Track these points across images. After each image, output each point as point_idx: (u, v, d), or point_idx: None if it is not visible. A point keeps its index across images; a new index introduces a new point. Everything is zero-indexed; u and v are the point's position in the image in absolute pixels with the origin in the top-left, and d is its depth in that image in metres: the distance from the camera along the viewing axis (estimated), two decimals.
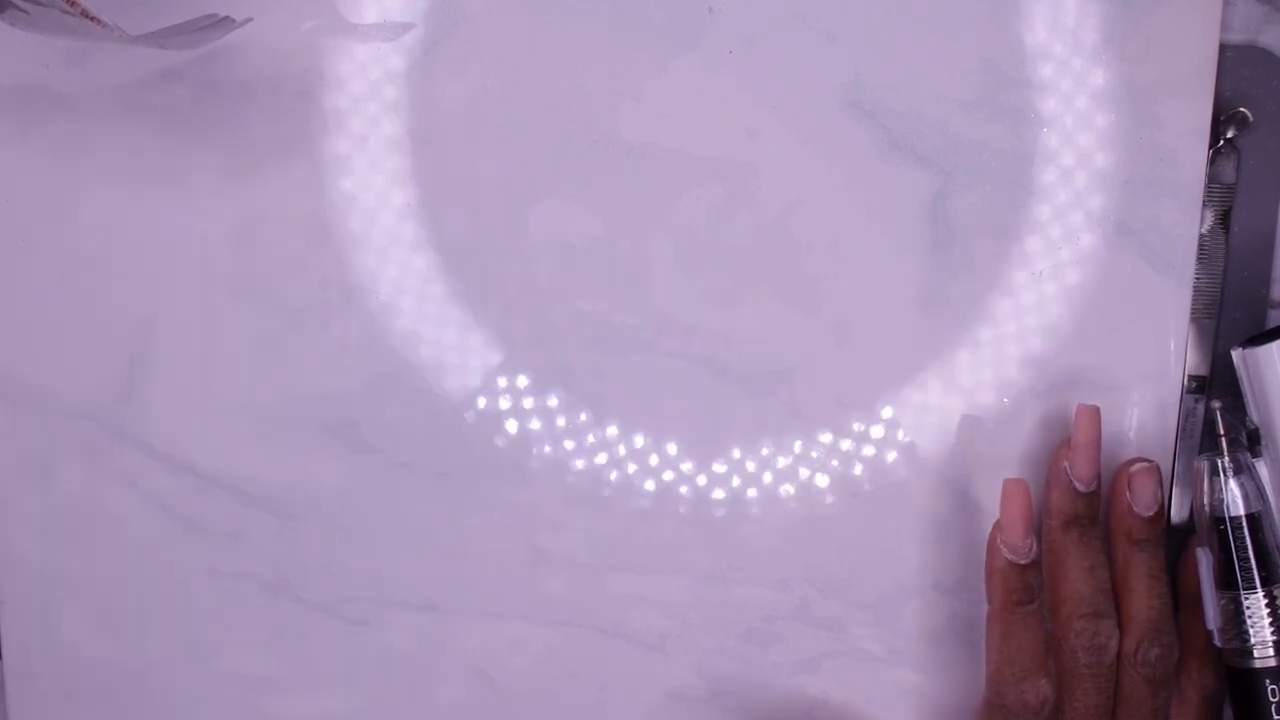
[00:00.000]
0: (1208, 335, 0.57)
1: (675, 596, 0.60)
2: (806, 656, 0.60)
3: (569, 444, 0.59)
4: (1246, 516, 0.55)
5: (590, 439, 0.59)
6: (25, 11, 0.48)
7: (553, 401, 0.59)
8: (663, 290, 0.58)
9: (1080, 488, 0.54)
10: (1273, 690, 0.55)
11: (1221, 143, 0.56)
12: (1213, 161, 0.56)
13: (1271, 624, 0.54)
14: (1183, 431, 0.58)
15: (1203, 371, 0.57)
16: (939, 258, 0.57)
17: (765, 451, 0.59)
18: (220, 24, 0.52)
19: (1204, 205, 0.56)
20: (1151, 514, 0.55)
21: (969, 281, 0.57)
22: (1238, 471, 0.55)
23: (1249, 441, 0.55)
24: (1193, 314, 0.57)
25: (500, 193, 0.57)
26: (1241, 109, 0.56)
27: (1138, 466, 0.55)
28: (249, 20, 0.53)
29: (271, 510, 0.60)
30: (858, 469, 0.59)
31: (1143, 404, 0.57)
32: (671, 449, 0.59)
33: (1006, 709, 0.55)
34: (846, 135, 0.56)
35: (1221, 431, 0.55)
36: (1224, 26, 0.55)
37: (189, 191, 0.58)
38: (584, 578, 0.60)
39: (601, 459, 0.59)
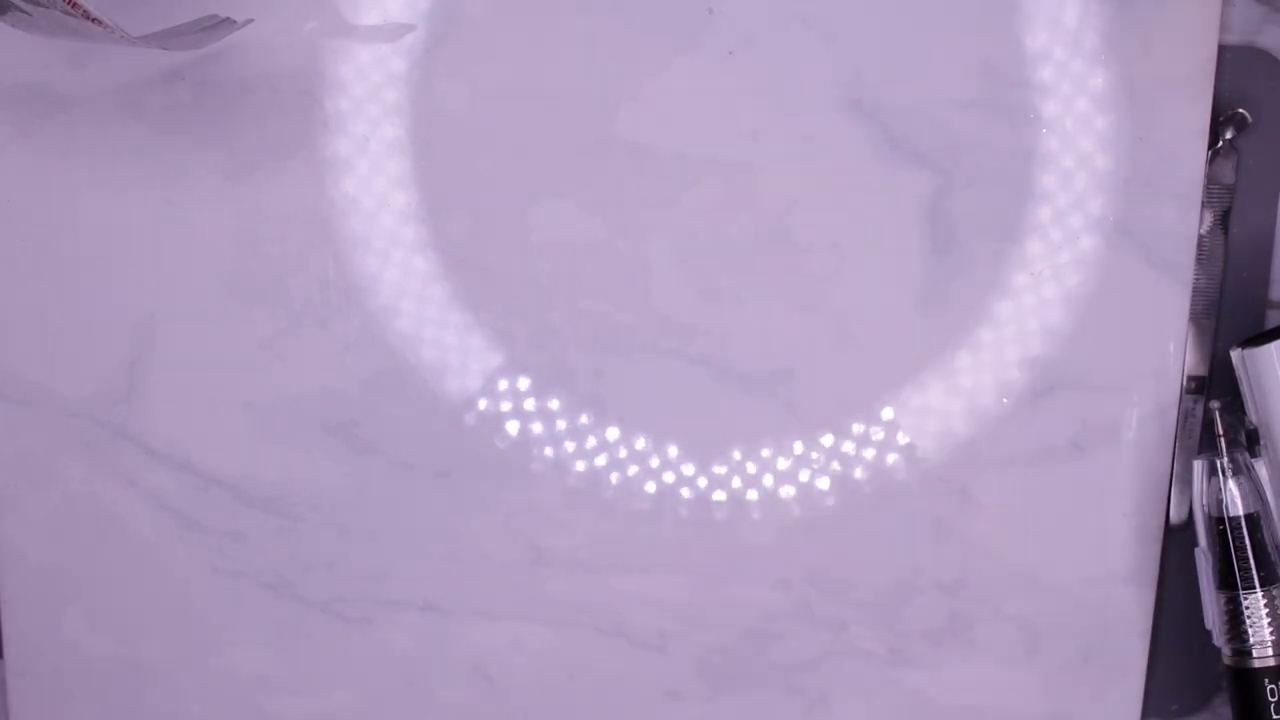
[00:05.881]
0: (1207, 335, 0.57)
1: (675, 596, 0.60)
2: (806, 656, 0.60)
3: (569, 445, 0.59)
4: (1245, 517, 0.55)
5: (591, 441, 0.59)
6: (27, 13, 0.48)
7: (554, 404, 0.59)
8: (663, 290, 0.58)
9: None
10: (1272, 690, 0.55)
11: (1220, 143, 0.56)
12: (1212, 162, 0.56)
13: (1270, 624, 0.55)
14: (1182, 431, 0.58)
15: (1202, 372, 0.58)
16: (939, 258, 0.57)
17: (766, 453, 0.59)
18: (221, 25, 0.52)
19: (1203, 205, 0.56)
20: None
21: (969, 282, 0.57)
22: (1236, 472, 0.55)
23: (1248, 442, 0.56)
24: (1192, 314, 0.57)
25: (500, 193, 0.57)
26: (1240, 110, 0.56)
27: None
28: (250, 21, 0.53)
29: (271, 510, 0.60)
30: (858, 470, 0.59)
31: (1142, 404, 0.57)
32: (672, 451, 0.59)
33: None
34: (846, 135, 0.56)
35: (1220, 432, 0.55)
36: (1223, 28, 0.55)
37: (189, 191, 0.58)
38: (584, 578, 0.60)
39: (602, 461, 0.59)
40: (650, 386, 0.58)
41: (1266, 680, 0.55)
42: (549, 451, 0.59)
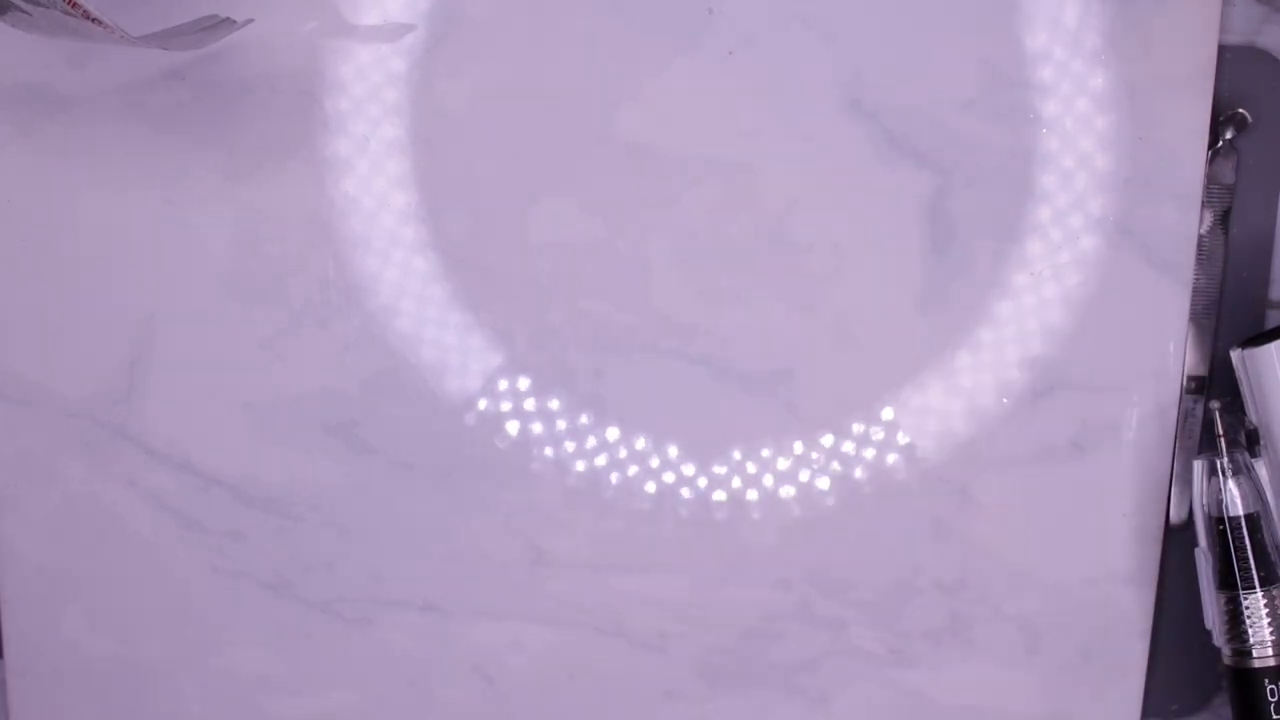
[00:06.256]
0: (1207, 335, 0.57)
1: (675, 596, 0.60)
2: (806, 656, 0.60)
3: (569, 446, 0.59)
4: (1245, 517, 0.55)
5: (591, 441, 0.59)
6: (27, 13, 0.48)
7: (554, 404, 0.59)
8: (663, 290, 0.58)
9: None
10: (1272, 690, 0.55)
11: (1220, 143, 0.56)
12: (1212, 162, 0.56)
13: (1270, 624, 0.55)
14: (1182, 431, 0.58)
15: (1202, 372, 0.58)
16: (939, 258, 0.57)
17: (766, 453, 0.59)
18: (221, 25, 0.52)
19: (1203, 205, 0.56)
20: None
21: (969, 282, 0.57)
22: (1236, 472, 0.55)
23: (1248, 442, 0.56)
24: (1192, 314, 0.57)
25: (500, 193, 0.57)
26: (1240, 110, 0.56)
27: None
28: (250, 21, 0.53)
29: (271, 510, 0.60)
30: (858, 470, 0.59)
31: (1142, 404, 0.57)
32: (672, 451, 0.59)
33: None
34: (846, 135, 0.56)
35: (1220, 432, 0.55)
36: (1223, 28, 0.55)
37: (189, 191, 0.58)
38: (584, 578, 0.60)
39: (602, 461, 0.59)
40: (650, 386, 0.58)
41: (1266, 680, 0.55)
42: (549, 451, 0.59)
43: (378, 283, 0.58)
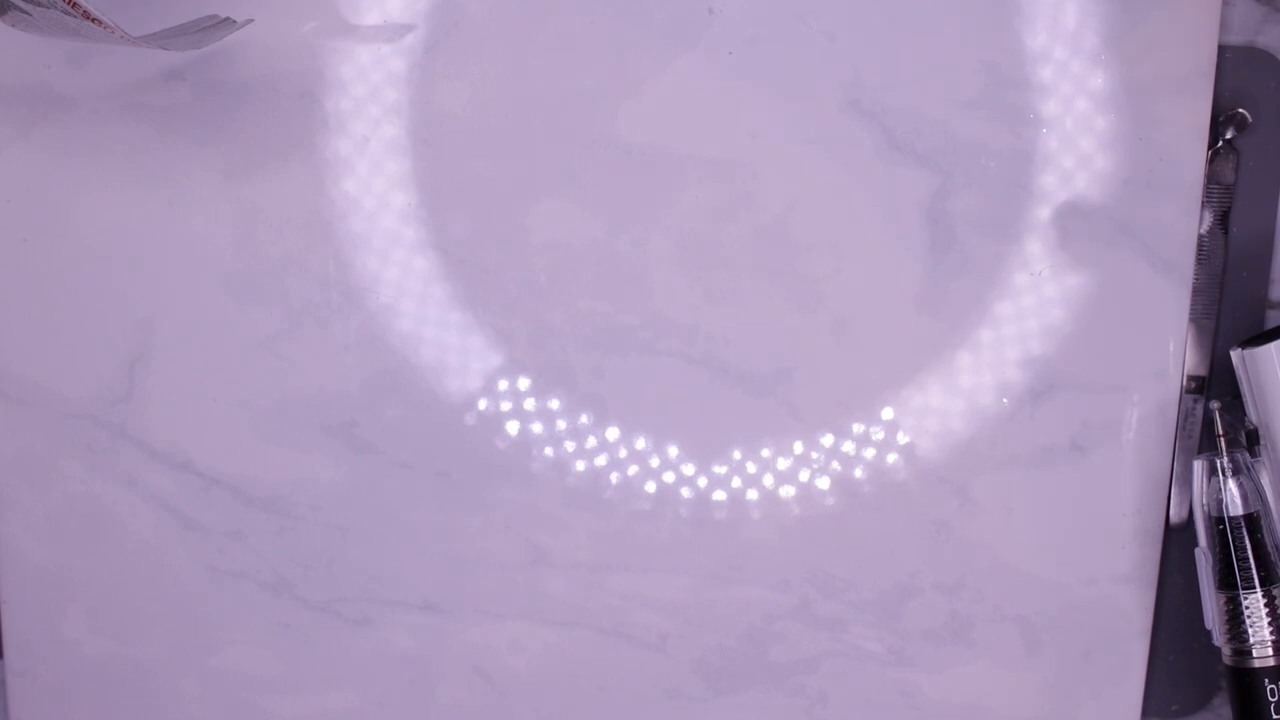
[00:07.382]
0: (1207, 335, 0.57)
1: (675, 596, 0.60)
2: (806, 656, 0.60)
3: (569, 446, 0.59)
4: (1245, 517, 0.55)
5: (591, 441, 0.59)
6: (27, 13, 0.48)
7: (554, 404, 0.59)
8: (663, 290, 0.58)
9: None
10: (1272, 690, 0.55)
11: (1220, 143, 0.56)
12: (1212, 162, 0.56)
13: (1270, 624, 0.55)
14: (1182, 431, 0.58)
15: (1202, 371, 0.58)
16: (939, 258, 0.57)
17: (766, 453, 0.59)
18: (221, 25, 0.52)
19: (1203, 206, 0.56)
20: None
21: (968, 282, 0.57)
22: (1236, 472, 0.55)
23: (1248, 441, 0.56)
24: (1192, 314, 0.57)
25: (500, 193, 0.57)
26: (1240, 110, 0.56)
27: None
28: (250, 21, 0.53)
29: (271, 510, 0.60)
30: (858, 470, 0.59)
31: (1142, 404, 0.57)
32: (672, 451, 0.59)
33: None
34: (846, 135, 0.56)
35: (1220, 432, 0.55)
36: (1223, 28, 0.55)
37: (189, 191, 0.58)
38: (584, 578, 0.60)
39: (602, 461, 0.59)
40: (650, 386, 0.58)
41: (1266, 680, 0.55)
42: (549, 451, 0.59)
43: (379, 283, 0.58)
